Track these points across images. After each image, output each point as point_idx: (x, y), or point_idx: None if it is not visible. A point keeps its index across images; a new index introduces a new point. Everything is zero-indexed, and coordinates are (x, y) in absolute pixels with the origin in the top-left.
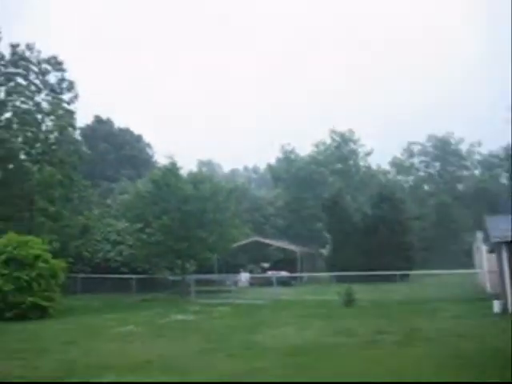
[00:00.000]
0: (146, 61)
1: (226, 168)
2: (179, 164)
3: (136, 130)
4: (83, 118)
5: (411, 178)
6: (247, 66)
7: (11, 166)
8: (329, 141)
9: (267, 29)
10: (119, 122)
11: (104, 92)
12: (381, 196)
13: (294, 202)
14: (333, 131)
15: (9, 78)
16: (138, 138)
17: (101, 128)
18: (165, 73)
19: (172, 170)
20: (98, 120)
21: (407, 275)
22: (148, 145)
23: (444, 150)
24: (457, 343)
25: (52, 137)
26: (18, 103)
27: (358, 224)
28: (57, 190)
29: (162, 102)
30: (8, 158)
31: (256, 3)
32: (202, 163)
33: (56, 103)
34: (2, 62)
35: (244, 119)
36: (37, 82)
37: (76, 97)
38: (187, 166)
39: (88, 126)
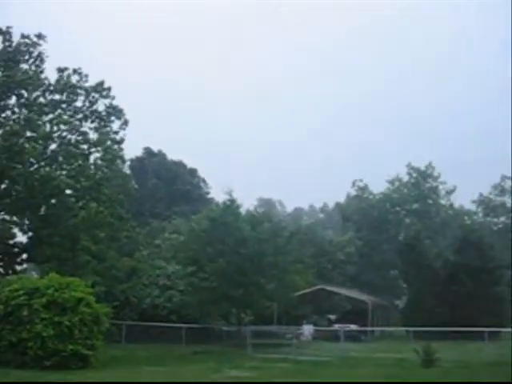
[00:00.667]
0: (199, 92)
1: (290, 207)
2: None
3: (190, 164)
4: (132, 149)
5: (502, 219)
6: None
7: (54, 201)
8: (405, 177)
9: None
10: (172, 155)
11: (155, 122)
12: (466, 240)
13: (365, 246)
14: (410, 167)
15: (54, 105)
16: (192, 173)
17: (151, 161)
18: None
19: (231, 207)
20: (149, 152)
21: (497, 332)
22: (203, 180)
23: None
24: None
25: (99, 171)
26: (64, 133)
27: (439, 272)
28: (103, 230)
29: (217, 137)
30: (53, 193)
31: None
32: (261, 201)
33: (104, 133)
34: (51, 88)
35: (311, 153)
36: (83, 109)
37: (126, 123)
38: (245, 204)
39: (137, 158)
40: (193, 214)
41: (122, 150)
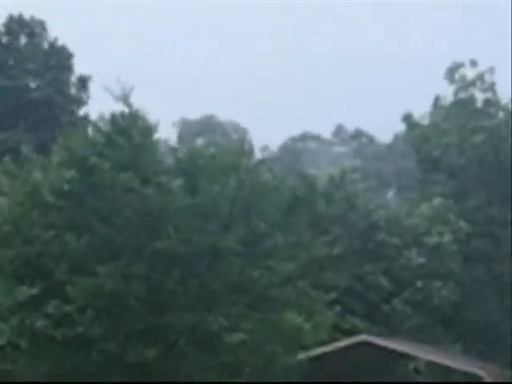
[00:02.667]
0: None
1: (274, 136)
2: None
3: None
4: None
5: None
6: None
7: None
8: None
9: None
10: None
11: None
12: None
13: (477, 236)
14: None
15: None
16: (57, 53)
17: None
18: None
19: (130, 126)
20: None
21: None
22: (82, 80)
23: None
24: None
25: None
26: None
27: None
28: None
29: None
30: None
31: None
32: (197, 124)
33: None
34: None
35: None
36: None
37: None
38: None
39: None
40: (42, 147)
41: None
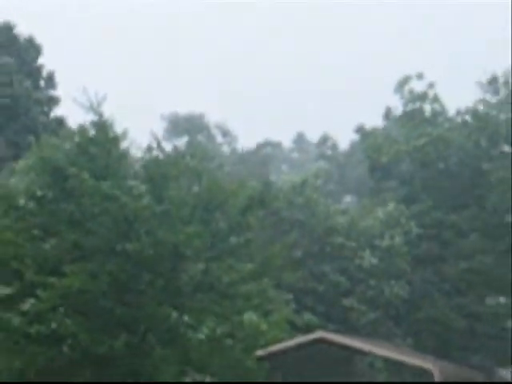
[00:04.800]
0: None
1: (248, 140)
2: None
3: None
4: None
5: None
6: None
7: None
8: None
9: None
10: None
11: None
12: None
13: (426, 235)
14: None
15: None
16: (25, 50)
17: None
18: None
19: (101, 138)
20: None
21: None
22: (49, 76)
23: None
24: None
25: None
26: None
27: None
28: None
29: None
30: None
31: None
32: (185, 121)
33: None
34: None
35: None
36: None
37: None
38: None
39: None
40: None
41: None
